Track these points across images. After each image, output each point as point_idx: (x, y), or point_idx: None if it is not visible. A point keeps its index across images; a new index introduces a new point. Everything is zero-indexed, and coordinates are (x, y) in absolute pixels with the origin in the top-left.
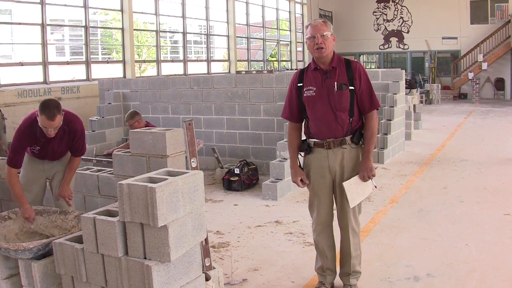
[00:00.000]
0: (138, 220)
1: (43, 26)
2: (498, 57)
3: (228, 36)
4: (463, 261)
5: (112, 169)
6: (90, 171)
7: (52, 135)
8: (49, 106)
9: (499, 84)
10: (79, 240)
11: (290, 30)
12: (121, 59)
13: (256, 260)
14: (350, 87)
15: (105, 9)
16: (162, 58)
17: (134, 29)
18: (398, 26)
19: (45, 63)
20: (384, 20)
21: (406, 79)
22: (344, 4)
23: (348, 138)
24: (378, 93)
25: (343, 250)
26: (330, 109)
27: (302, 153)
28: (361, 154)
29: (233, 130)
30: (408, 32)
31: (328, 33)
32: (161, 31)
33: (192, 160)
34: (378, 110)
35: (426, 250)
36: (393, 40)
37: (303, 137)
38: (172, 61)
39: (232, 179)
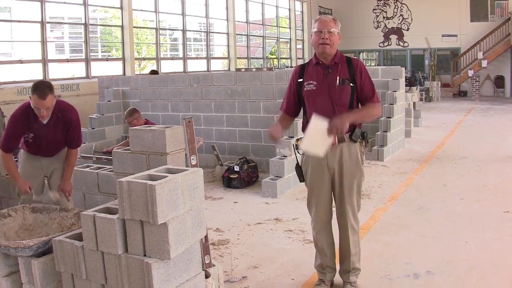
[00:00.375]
0: (138, 217)
1: (42, 23)
2: (498, 55)
3: (227, 33)
4: (463, 259)
5: (111, 167)
6: (90, 169)
7: (45, 117)
8: (41, 86)
9: (499, 81)
10: (79, 237)
11: (290, 28)
12: (120, 56)
13: (256, 257)
14: (351, 84)
15: (105, 6)
16: (161, 56)
17: (134, 27)
18: (398, 23)
19: (44, 61)
20: (384, 17)
21: (406, 77)
22: (344, 1)
23: (346, 136)
24: (378, 91)
25: (343, 248)
26: (330, 104)
27: (300, 151)
28: (359, 152)
29: (233, 127)
30: (408, 29)
31: (336, 30)
32: (160, 29)
33: (191, 158)
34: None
35: (425, 247)
36: (393, 37)
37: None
38: (172, 58)
39: (231, 176)
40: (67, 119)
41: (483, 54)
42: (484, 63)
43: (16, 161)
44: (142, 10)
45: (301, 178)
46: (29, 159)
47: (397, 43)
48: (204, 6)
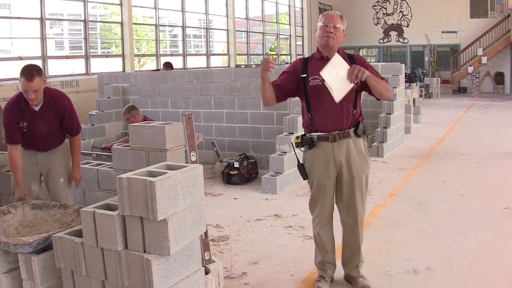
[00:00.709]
0: (137, 214)
1: (42, 20)
2: (497, 51)
3: (227, 30)
4: (462, 255)
5: (111, 163)
6: (90, 165)
7: (34, 101)
8: (28, 68)
9: (499, 78)
10: (78, 234)
11: (289, 24)
12: (120, 53)
13: (256, 253)
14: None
15: (104, 3)
16: (161, 52)
17: (133, 23)
18: (398, 20)
19: (44, 57)
20: (383, 14)
21: (405, 73)
22: None
23: (351, 131)
24: None
25: (352, 243)
26: None
27: (302, 149)
28: (364, 146)
29: (233, 124)
30: (407, 26)
31: (341, 26)
32: (160, 25)
33: (191, 154)
34: (380, 101)
35: (425, 243)
36: (393, 34)
37: (303, 132)
38: (172, 55)
39: (231, 172)
40: (60, 106)
41: (483, 51)
42: (484, 60)
43: None
44: (141, 7)
45: (305, 175)
46: (25, 156)
47: (397, 39)
48: (204, 2)
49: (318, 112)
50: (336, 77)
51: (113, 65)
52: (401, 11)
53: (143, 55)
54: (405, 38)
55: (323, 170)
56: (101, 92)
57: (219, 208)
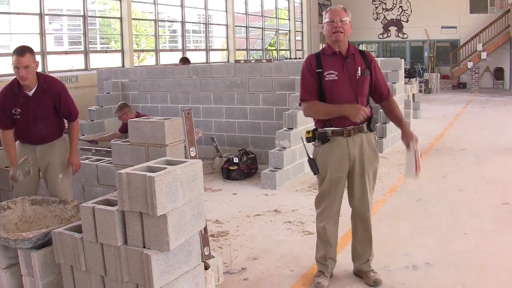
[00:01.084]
0: (137, 209)
1: (41, 15)
2: (497, 47)
3: (227, 25)
4: (461, 250)
5: (111, 159)
6: (89, 161)
7: (25, 80)
8: (20, 47)
9: (498, 73)
10: (78, 229)
11: (289, 19)
12: (119, 48)
13: (255, 249)
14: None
15: None
16: (160, 48)
17: (133, 19)
18: (397, 15)
19: (43, 53)
20: (383, 9)
21: (405, 68)
22: None
23: (364, 125)
24: None
25: (363, 237)
26: (352, 94)
27: (315, 143)
28: (375, 141)
29: (232, 119)
30: (407, 21)
31: (347, 19)
32: (159, 21)
33: (191, 149)
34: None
35: (424, 239)
36: (392, 29)
37: (314, 127)
38: (171, 50)
39: (231, 168)
40: (54, 91)
41: (482, 46)
42: (484, 55)
43: None
44: (141, 2)
45: (316, 170)
46: (23, 150)
47: (397, 34)
48: None
49: None
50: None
51: (113, 61)
52: (400, 6)
53: (143, 51)
54: (404, 33)
55: (337, 165)
56: (101, 87)
57: (218, 204)
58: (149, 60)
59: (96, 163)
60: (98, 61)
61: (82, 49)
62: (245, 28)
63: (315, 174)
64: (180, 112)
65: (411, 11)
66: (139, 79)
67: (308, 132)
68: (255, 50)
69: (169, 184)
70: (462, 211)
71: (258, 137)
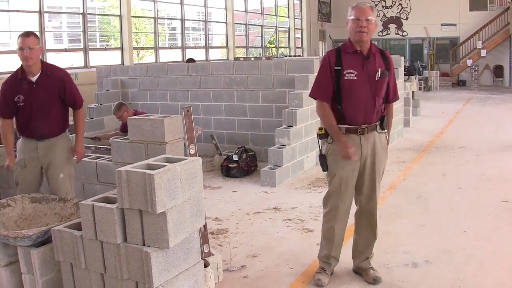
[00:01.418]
0: (136, 206)
1: (40, 13)
2: (497, 44)
3: (226, 22)
4: (461, 248)
5: (110, 156)
6: (89, 158)
7: (29, 60)
8: (26, 31)
9: (498, 71)
10: (78, 227)
11: (288, 17)
12: (119, 46)
13: (255, 246)
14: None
15: None
16: (160, 45)
17: (132, 16)
18: (397, 12)
19: (43, 51)
20: (383, 6)
21: (404, 66)
22: None
23: (377, 124)
24: None
25: (368, 235)
26: (371, 94)
27: (327, 140)
28: (386, 139)
29: (232, 116)
30: (407, 19)
31: (373, 18)
32: (159, 18)
33: (190, 147)
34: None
35: (424, 236)
36: (392, 27)
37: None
38: (171, 47)
39: (230, 165)
40: (58, 77)
41: (482, 44)
42: (483, 53)
43: (15, 150)
44: None
45: (325, 167)
46: (25, 147)
47: (396, 32)
48: None
49: (349, 105)
50: None
51: (112, 58)
52: (400, 4)
53: (142, 48)
54: (404, 31)
55: (349, 163)
56: (100, 85)
57: (218, 201)
58: (148, 57)
59: (95, 160)
60: (98, 58)
61: (82, 47)
62: (244, 25)
63: (324, 171)
64: (179, 109)
65: (410, 9)
66: (139, 77)
67: (320, 129)
68: (255, 47)
69: (168, 181)
70: (462, 209)
71: (257, 134)
